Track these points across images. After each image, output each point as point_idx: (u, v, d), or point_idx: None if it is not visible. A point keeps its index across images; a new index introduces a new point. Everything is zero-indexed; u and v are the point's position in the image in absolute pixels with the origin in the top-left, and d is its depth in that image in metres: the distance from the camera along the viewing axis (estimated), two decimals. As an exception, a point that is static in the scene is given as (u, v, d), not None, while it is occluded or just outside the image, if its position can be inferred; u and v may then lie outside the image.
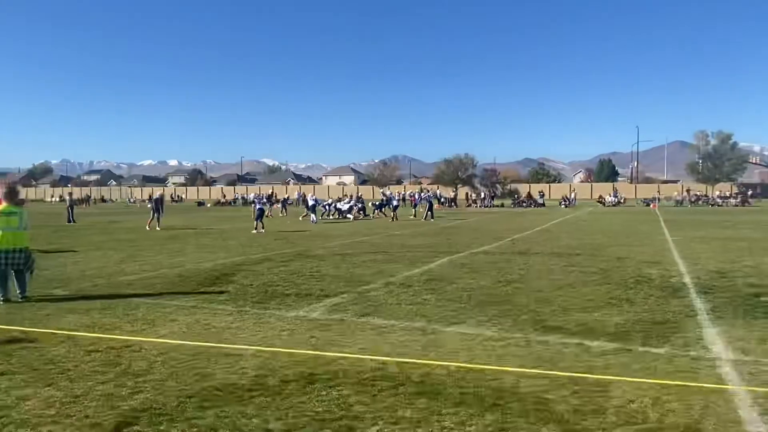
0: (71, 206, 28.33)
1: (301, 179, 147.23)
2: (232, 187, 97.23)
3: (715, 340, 5.61)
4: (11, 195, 8.09)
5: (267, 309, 7.14)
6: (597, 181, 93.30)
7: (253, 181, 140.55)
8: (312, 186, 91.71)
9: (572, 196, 54.68)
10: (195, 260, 12.09)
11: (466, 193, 54.92)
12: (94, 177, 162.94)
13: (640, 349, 5.34)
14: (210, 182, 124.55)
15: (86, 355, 5.16)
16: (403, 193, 50.78)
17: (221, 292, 8.31)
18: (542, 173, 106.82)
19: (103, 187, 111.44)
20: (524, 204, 52.64)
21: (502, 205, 50.54)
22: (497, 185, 79.20)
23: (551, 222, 26.21)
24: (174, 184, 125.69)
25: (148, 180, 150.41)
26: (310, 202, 27.16)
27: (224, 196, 74.57)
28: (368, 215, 31.90)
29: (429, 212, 28.33)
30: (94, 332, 5.96)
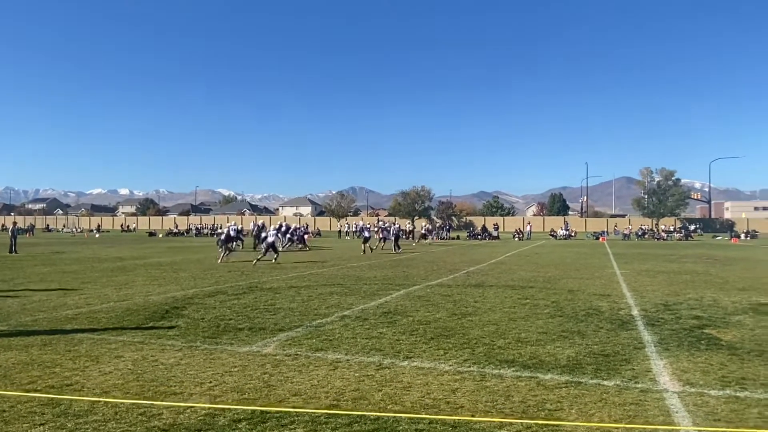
0: (14, 236, 27.10)
1: (257, 210, 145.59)
2: (186, 217, 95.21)
3: (662, 372, 5.77)
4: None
5: (218, 344, 6.93)
6: (549, 215, 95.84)
7: (207, 211, 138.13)
8: (268, 217, 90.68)
9: (527, 229, 55.87)
10: (144, 293, 11.69)
11: (422, 226, 55.29)
12: (39, 205, 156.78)
13: (591, 381, 5.43)
14: (162, 212, 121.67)
15: (23, 394, 4.87)
16: (361, 224, 50.69)
17: (171, 327, 8.03)
18: (496, 206, 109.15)
19: (48, 216, 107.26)
20: (479, 237, 53.44)
21: (458, 238, 51.13)
22: (453, 218, 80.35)
23: (505, 255, 26.67)
24: (124, 213, 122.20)
25: (96, 209, 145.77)
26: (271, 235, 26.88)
27: (177, 227, 72.92)
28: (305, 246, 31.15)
29: (395, 245, 28.41)
30: (32, 370, 5.64)
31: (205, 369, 5.79)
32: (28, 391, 4.97)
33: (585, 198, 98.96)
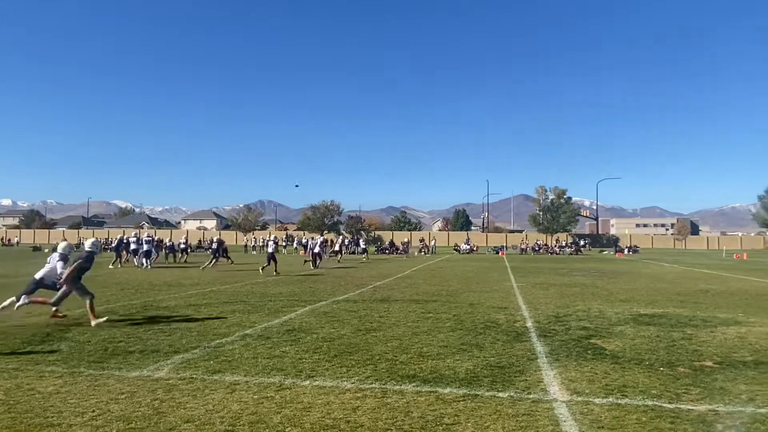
0: None
1: (157, 223, 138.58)
2: (76, 231, 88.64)
3: (553, 382, 6.06)
4: None
5: (105, 369, 6.43)
6: (453, 230, 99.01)
7: (101, 224, 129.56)
8: (170, 230, 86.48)
9: (432, 243, 57.25)
10: (22, 313, 10.64)
11: (330, 240, 55.06)
12: None
13: (487, 393, 5.59)
14: (50, 225, 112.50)
15: None
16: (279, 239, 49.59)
17: (51, 351, 7.37)
18: (404, 221, 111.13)
19: None
20: (387, 251, 54.07)
21: (366, 252, 51.41)
22: (362, 232, 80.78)
23: (411, 269, 27.14)
24: (5, 226, 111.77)
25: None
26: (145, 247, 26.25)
27: (65, 240, 67.59)
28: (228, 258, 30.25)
29: (314, 260, 27.51)
30: None
31: (88, 397, 5.34)
32: None
33: (486, 214, 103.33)
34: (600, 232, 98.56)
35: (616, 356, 7.37)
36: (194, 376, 6.18)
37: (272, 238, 33.90)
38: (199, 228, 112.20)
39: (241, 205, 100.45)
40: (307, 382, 5.98)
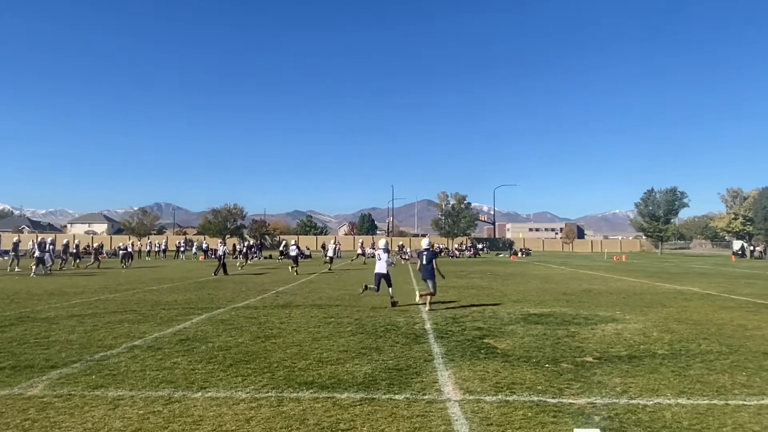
0: None
1: (39, 227, 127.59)
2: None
3: (447, 382, 6.22)
4: None
5: (-33, 389, 5.78)
6: (359, 234, 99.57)
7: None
8: (54, 234, 79.77)
9: (335, 246, 57.09)
10: None
11: (234, 245, 53.37)
12: None
13: (384, 397, 5.64)
14: None
15: None
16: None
17: None
18: (310, 225, 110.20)
19: None
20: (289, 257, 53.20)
21: (270, 257, 50.37)
22: (266, 236, 79.08)
23: (317, 273, 26.91)
24: None
25: None
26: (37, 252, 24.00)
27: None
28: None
29: (222, 267, 26.08)
30: None
31: (-57, 422, 4.76)
32: None
33: (391, 218, 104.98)
34: (497, 235, 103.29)
35: (507, 355, 7.72)
36: (73, 392, 5.70)
37: (221, 241, 33.06)
38: (87, 232, 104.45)
39: (135, 208, 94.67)
40: (199, 393, 5.72)
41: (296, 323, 10.45)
